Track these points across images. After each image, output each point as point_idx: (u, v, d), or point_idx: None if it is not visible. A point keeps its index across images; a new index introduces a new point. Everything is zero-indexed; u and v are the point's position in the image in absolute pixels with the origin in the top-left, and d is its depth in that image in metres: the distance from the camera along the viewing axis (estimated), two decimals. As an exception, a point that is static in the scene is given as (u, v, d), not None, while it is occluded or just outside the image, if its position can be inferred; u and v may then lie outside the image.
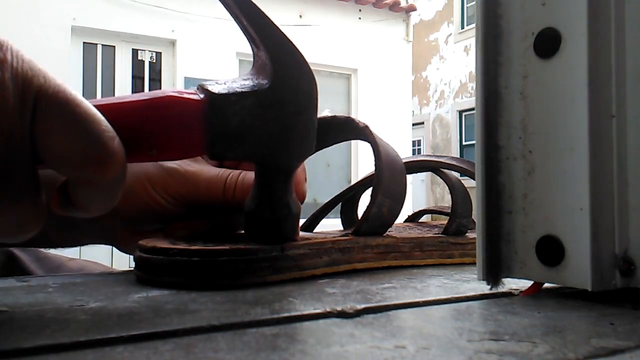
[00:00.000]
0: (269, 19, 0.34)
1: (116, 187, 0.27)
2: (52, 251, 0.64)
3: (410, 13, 6.02)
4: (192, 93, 0.32)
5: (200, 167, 0.42)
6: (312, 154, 0.38)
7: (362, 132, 0.45)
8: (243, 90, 0.33)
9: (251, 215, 0.37)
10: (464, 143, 10.06)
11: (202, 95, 0.32)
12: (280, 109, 0.34)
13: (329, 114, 0.47)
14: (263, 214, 0.37)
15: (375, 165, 0.44)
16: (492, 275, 0.32)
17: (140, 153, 0.30)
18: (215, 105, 0.32)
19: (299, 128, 0.35)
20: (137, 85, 4.92)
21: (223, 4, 0.34)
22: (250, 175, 0.41)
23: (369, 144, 0.45)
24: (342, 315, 0.27)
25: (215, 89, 0.32)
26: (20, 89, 0.24)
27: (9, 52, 0.24)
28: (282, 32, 0.35)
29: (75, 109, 0.25)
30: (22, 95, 0.24)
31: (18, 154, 0.24)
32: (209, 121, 0.31)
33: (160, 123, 0.30)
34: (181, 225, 0.44)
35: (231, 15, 0.35)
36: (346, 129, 0.47)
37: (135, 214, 0.43)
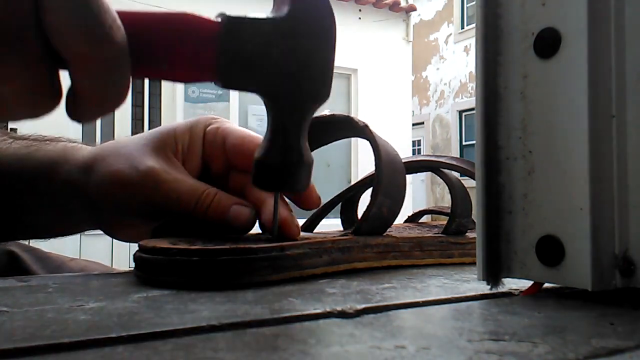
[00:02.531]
0: None
1: (114, 73, 0.28)
2: (54, 251, 0.64)
3: (410, 13, 6.02)
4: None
5: (177, 177, 0.42)
6: (318, 147, 0.37)
7: (361, 132, 0.45)
8: (260, 16, 0.32)
9: (260, 162, 0.36)
10: (464, 143, 10.06)
11: (219, 19, 0.32)
12: (296, 41, 0.33)
13: (328, 113, 0.47)
14: (274, 160, 0.35)
15: (376, 165, 0.44)
16: (492, 275, 0.32)
17: (152, 64, 0.30)
18: (230, 27, 0.31)
19: (314, 65, 0.34)
20: (137, 85, 4.92)
21: None
22: (226, 196, 0.41)
23: (368, 145, 0.45)
24: (342, 315, 0.27)
25: (233, 14, 0.32)
26: None
27: None
28: None
29: None
30: None
31: (25, 17, 0.26)
32: (223, 44, 0.31)
33: (174, 36, 0.31)
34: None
35: None
36: (345, 128, 0.47)
37: (117, 210, 0.43)
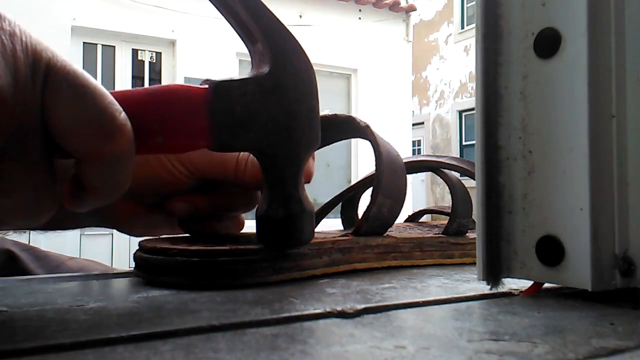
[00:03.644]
0: (264, 5, 0.35)
1: (125, 164, 0.28)
2: (53, 250, 0.64)
3: (410, 13, 6.02)
4: (197, 86, 0.33)
5: None
6: (319, 148, 0.38)
7: (363, 132, 0.45)
8: (244, 77, 0.33)
9: (264, 217, 0.36)
10: (464, 143, 10.05)
11: (205, 86, 0.33)
12: (281, 95, 0.34)
13: (330, 113, 0.47)
14: (277, 214, 0.36)
15: (376, 165, 0.44)
16: (492, 275, 0.32)
17: (147, 140, 0.31)
18: (218, 92, 0.32)
19: (302, 116, 0.35)
20: (137, 86, 4.92)
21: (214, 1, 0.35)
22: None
23: (369, 145, 0.45)
24: (342, 315, 0.27)
25: (218, 79, 0.33)
26: (31, 61, 0.25)
27: (17, 27, 0.25)
28: (278, 19, 0.35)
29: (83, 82, 0.26)
30: (33, 67, 0.25)
31: (31, 123, 0.25)
32: (214, 109, 0.32)
33: (166, 110, 0.31)
34: (182, 199, 0.43)
35: (222, 9, 0.35)
36: (347, 128, 0.47)
37: (145, 183, 0.42)
